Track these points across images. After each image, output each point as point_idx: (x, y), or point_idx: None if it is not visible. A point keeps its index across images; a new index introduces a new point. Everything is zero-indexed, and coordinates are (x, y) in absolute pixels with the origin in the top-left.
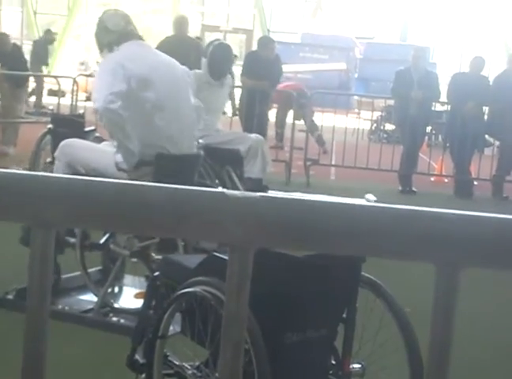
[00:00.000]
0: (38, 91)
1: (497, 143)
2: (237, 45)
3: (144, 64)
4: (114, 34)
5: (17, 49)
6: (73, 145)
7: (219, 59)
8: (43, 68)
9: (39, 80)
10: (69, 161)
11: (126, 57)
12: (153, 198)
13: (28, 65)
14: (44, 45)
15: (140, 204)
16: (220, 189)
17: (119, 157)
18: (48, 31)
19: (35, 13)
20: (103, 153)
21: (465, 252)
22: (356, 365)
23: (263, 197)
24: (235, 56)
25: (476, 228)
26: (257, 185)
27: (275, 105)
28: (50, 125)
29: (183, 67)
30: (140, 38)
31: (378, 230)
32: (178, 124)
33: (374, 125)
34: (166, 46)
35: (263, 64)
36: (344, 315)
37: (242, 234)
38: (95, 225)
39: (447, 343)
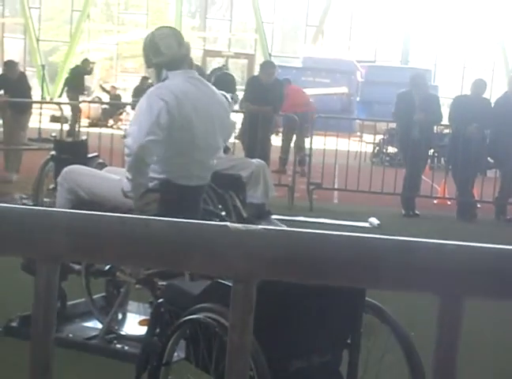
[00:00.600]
0: (73, 120)
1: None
2: (239, 70)
3: (187, 105)
4: (165, 57)
5: (24, 77)
6: (75, 171)
7: (221, 88)
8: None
9: (75, 109)
10: (71, 187)
11: (172, 97)
12: (157, 231)
13: (65, 93)
14: (81, 74)
15: (144, 237)
16: (224, 223)
17: (127, 186)
18: (85, 61)
19: (37, 40)
20: (106, 179)
21: (468, 283)
22: None
23: (266, 229)
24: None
25: (478, 259)
26: (260, 210)
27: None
28: (53, 152)
29: (224, 100)
30: (190, 64)
31: (380, 262)
32: (201, 163)
33: (377, 148)
34: None
35: (264, 89)
36: (349, 340)
37: (245, 267)
38: (99, 258)
39: (452, 373)
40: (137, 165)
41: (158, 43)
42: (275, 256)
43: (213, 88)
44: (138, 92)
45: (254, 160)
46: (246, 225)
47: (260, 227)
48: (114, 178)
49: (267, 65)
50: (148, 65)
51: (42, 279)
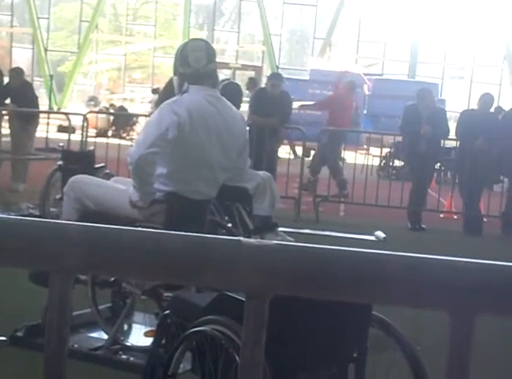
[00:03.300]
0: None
1: (506, 180)
2: (246, 81)
3: (200, 123)
4: (190, 69)
5: (28, 85)
6: (82, 181)
7: (228, 98)
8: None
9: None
10: (78, 197)
11: (186, 114)
12: (170, 246)
13: None
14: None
15: (156, 251)
16: (237, 238)
17: (135, 195)
18: None
19: (46, 50)
20: (113, 189)
21: (479, 300)
22: None
23: (279, 245)
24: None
25: (489, 276)
26: (267, 222)
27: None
28: (60, 162)
29: (241, 118)
30: (215, 82)
31: (391, 278)
32: (209, 179)
33: (383, 161)
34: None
35: (271, 101)
36: (355, 354)
37: (258, 282)
38: (112, 271)
39: None
40: (139, 174)
41: (188, 53)
42: (288, 271)
43: (232, 107)
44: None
45: (260, 172)
46: (259, 240)
47: (273, 242)
48: (121, 188)
49: (273, 77)
50: (174, 73)
51: (55, 292)
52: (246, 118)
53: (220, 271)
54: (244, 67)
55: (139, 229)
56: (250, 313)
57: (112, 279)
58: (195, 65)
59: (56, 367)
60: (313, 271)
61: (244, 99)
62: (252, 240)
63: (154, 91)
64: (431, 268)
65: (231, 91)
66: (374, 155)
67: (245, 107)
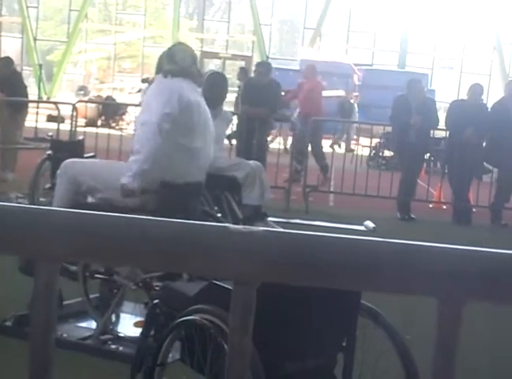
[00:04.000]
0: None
1: (495, 170)
2: (236, 71)
3: (191, 99)
4: (176, 66)
5: (17, 75)
6: (76, 161)
7: (214, 88)
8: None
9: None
10: (73, 175)
11: (180, 87)
12: (157, 233)
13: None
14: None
15: (143, 238)
16: (224, 224)
17: (125, 179)
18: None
19: (35, 39)
20: (107, 163)
21: (467, 287)
22: None
23: (266, 231)
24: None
25: (477, 263)
26: (256, 211)
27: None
28: (49, 151)
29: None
30: (196, 83)
31: (380, 265)
32: (198, 162)
33: (373, 151)
34: None
35: (260, 90)
36: (344, 343)
37: (246, 269)
38: (98, 259)
39: (451, 377)
40: (156, 131)
41: (175, 52)
42: (276, 258)
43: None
44: None
45: (250, 162)
46: (246, 227)
47: (261, 228)
48: (115, 168)
49: (259, 65)
50: (157, 72)
51: (41, 280)
52: (234, 109)
53: (207, 258)
54: (234, 57)
55: (126, 215)
56: (238, 301)
57: (103, 269)
58: (181, 63)
59: (43, 356)
60: (301, 258)
61: (233, 89)
62: (240, 227)
63: (144, 80)
64: (419, 255)
65: (216, 82)
66: (363, 146)
67: (231, 97)
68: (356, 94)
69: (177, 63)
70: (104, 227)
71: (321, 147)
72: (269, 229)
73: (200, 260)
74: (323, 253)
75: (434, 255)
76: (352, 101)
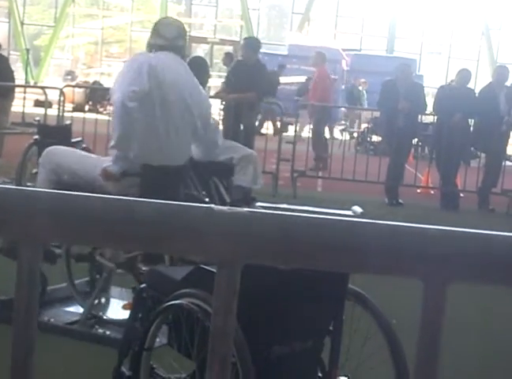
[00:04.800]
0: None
1: (483, 155)
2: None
3: (169, 73)
4: (161, 39)
5: (4, 59)
6: (56, 152)
7: (195, 72)
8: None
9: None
10: (53, 168)
11: (157, 61)
12: (140, 213)
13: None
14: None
15: (127, 219)
16: (208, 205)
17: (106, 163)
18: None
19: (22, 23)
20: (87, 159)
21: (452, 268)
22: (343, 378)
23: (251, 212)
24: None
25: (463, 244)
26: (246, 195)
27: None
28: (36, 136)
29: (204, 93)
30: (183, 57)
31: (364, 246)
32: (178, 143)
33: (361, 136)
34: None
35: (248, 73)
36: (331, 327)
37: (230, 250)
38: (81, 240)
39: (434, 358)
40: (120, 113)
41: (160, 27)
42: (261, 239)
43: (194, 77)
44: None
45: (245, 147)
46: (231, 207)
47: (245, 209)
48: (95, 158)
49: (248, 41)
50: (147, 45)
51: (24, 262)
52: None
53: (191, 239)
54: (222, 42)
55: (109, 196)
56: (222, 281)
57: (87, 252)
58: (166, 36)
59: (26, 339)
60: (286, 239)
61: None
62: (224, 207)
63: None
64: (404, 236)
65: (196, 66)
66: (351, 131)
67: (215, 82)
68: (364, 80)
69: (162, 36)
70: (88, 208)
71: (324, 137)
72: (254, 210)
73: (184, 241)
74: (308, 234)
75: (417, 236)
76: (360, 88)
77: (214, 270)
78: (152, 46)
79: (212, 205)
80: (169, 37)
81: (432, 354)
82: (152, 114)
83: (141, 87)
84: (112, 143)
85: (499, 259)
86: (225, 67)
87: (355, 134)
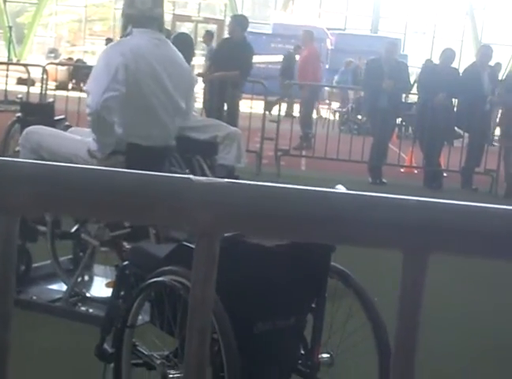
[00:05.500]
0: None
1: (466, 135)
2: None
3: (145, 63)
4: (136, 10)
5: None
6: (37, 132)
7: (179, 49)
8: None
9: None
10: (33, 147)
11: (132, 57)
12: (120, 184)
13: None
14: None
15: (107, 189)
16: (187, 175)
17: (94, 145)
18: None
19: (4, 1)
20: (68, 139)
21: (432, 239)
22: (325, 355)
23: (230, 182)
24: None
25: (442, 215)
26: (229, 173)
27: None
28: (19, 114)
29: (187, 66)
30: (160, 28)
31: (346, 218)
32: (162, 123)
33: (345, 116)
34: None
35: (232, 50)
36: (313, 305)
37: (209, 221)
38: (60, 210)
39: (414, 330)
40: (98, 124)
41: None
42: (239, 209)
43: (177, 52)
44: None
45: (231, 127)
46: (209, 178)
47: (225, 180)
48: (77, 139)
49: (235, 18)
50: (122, 15)
51: (1, 234)
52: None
53: (169, 208)
54: (206, 20)
55: (89, 167)
56: (201, 251)
57: (72, 230)
58: (141, 6)
59: (2, 313)
60: (265, 209)
61: (201, 52)
62: (202, 178)
63: (108, 41)
64: (383, 207)
65: (182, 43)
66: (335, 110)
67: (200, 61)
68: (350, 60)
69: (136, 7)
70: (67, 178)
71: (310, 116)
72: (233, 180)
73: (162, 211)
74: (288, 204)
75: (397, 207)
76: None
77: None
78: (127, 19)
79: (191, 176)
80: (144, 8)
81: (412, 325)
82: (135, 104)
83: (117, 92)
84: (95, 147)
85: (479, 230)
86: (204, 45)
87: (338, 114)
